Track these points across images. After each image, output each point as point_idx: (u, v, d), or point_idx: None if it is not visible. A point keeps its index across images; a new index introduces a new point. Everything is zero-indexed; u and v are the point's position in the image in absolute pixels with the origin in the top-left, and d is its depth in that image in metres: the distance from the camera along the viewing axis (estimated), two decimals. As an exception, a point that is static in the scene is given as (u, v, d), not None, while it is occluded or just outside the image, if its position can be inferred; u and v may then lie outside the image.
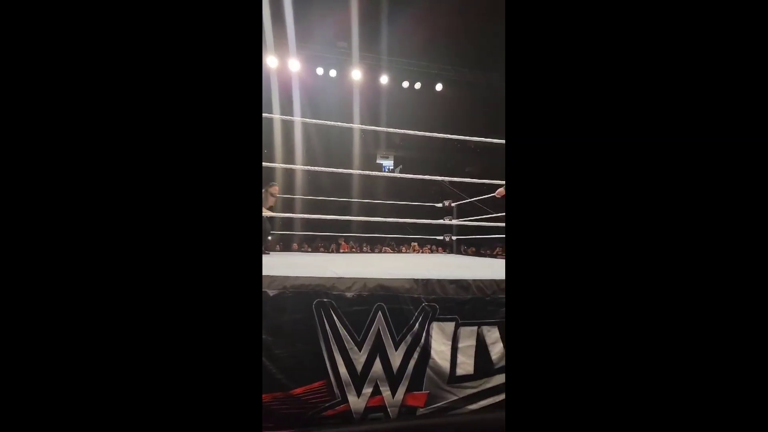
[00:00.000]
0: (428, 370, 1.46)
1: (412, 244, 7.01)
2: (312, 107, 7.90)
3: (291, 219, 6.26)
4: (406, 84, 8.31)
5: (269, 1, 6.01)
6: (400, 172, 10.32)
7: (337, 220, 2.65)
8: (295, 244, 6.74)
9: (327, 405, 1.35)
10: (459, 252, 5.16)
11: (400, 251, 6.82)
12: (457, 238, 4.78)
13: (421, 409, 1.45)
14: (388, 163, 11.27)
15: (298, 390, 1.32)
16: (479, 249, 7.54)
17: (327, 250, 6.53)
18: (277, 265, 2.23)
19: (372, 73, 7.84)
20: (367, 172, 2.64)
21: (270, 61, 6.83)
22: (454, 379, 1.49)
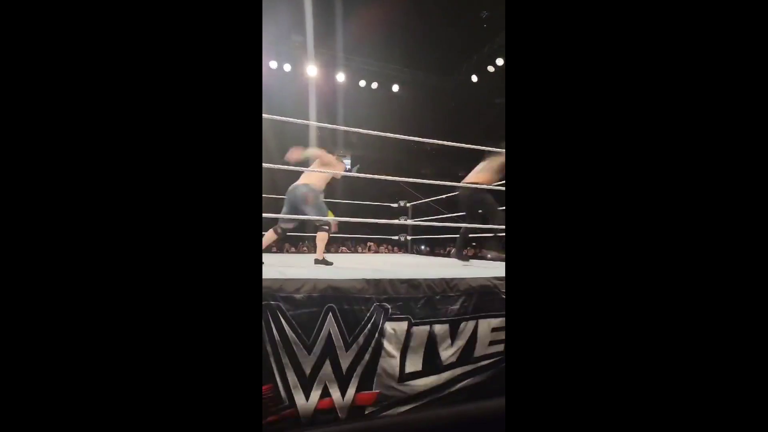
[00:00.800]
0: (379, 369, 1.47)
1: (369, 243, 7.02)
2: (265, 102, 7.61)
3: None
4: (363, 83, 8.30)
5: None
6: (358, 172, 10.29)
7: (291, 219, 2.56)
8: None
9: (272, 410, 1.30)
10: (414, 252, 5.26)
11: (356, 251, 6.80)
12: (412, 238, 4.86)
13: (369, 407, 1.44)
14: (346, 162, 11.19)
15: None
16: (434, 249, 7.74)
17: (280, 251, 6.33)
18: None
19: (328, 69, 7.73)
20: (324, 171, 2.58)
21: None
22: (404, 377, 1.51)
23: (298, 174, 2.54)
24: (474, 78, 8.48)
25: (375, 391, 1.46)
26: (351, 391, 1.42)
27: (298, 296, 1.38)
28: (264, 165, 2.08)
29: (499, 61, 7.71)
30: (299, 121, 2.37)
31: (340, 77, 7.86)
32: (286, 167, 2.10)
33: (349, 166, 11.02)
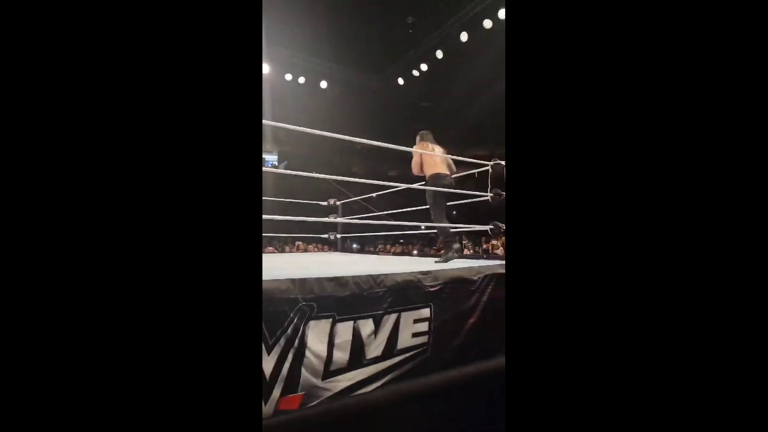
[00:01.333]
0: (303, 370, 1.44)
1: (297, 243, 6.81)
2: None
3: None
4: (289, 77, 8.01)
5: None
6: (286, 168, 9.92)
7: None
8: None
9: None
10: (344, 250, 5.25)
11: (284, 251, 6.55)
12: (342, 236, 4.85)
13: (296, 412, 1.41)
14: (272, 158, 10.69)
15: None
16: (363, 246, 7.82)
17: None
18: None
19: (252, 60, 7.31)
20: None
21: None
22: (328, 374, 1.50)
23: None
24: (400, 81, 8.74)
25: (300, 393, 1.43)
26: (275, 395, 1.37)
27: (214, 300, 1.29)
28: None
29: (424, 66, 8.06)
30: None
31: (265, 69, 7.48)
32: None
33: (276, 162, 10.55)
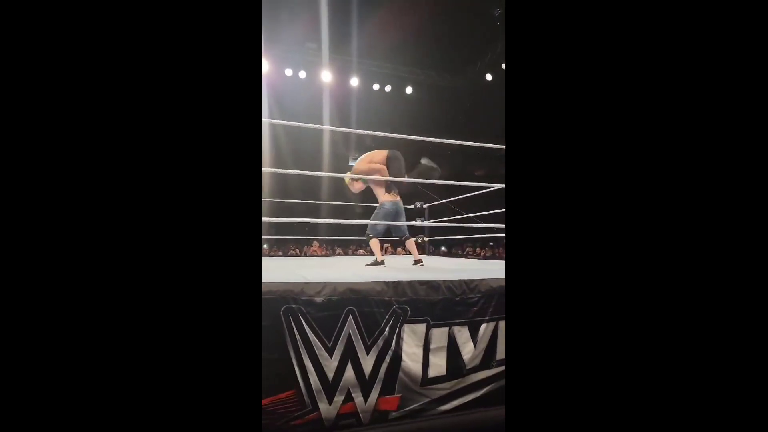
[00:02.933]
0: (400, 373, 1.45)
1: (385, 246, 7.01)
2: (281, 109, 7.73)
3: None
4: (376, 86, 8.33)
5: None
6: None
7: (307, 222, 2.59)
8: (265, 248, 6.59)
9: (296, 414, 1.31)
10: (431, 253, 5.22)
11: (371, 253, 6.78)
12: (429, 239, 4.83)
13: (393, 413, 1.43)
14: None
15: (265, 401, 1.27)
16: (450, 249, 7.67)
17: (301, 253, 6.41)
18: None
19: (342, 75, 7.79)
20: (337, 174, 2.60)
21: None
22: (426, 381, 1.49)
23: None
24: (488, 77, 8.37)
25: (397, 395, 1.45)
26: (374, 396, 1.41)
27: (318, 299, 1.39)
28: (281, 171, 2.12)
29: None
30: (312, 126, 2.40)
31: (354, 81, 7.90)
32: (296, 172, 2.12)
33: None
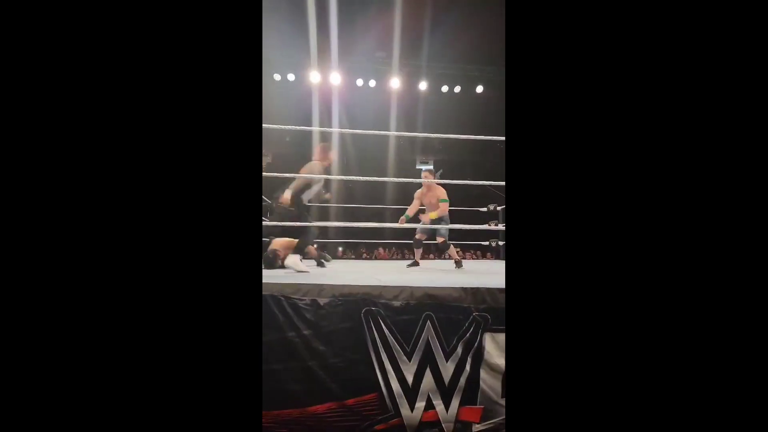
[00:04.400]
0: (482, 383, 1.39)
1: (456, 249, 6.84)
2: (351, 118, 8.06)
3: (327, 226, 6.38)
4: (445, 88, 8.23)
5: (315, 19, 6.25)
6: (441, 176, 10.16)
7: (374, 227, 2.65)
8: (340, 251, 6.90)
9: (380, 418, 1.33)
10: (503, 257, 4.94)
11: (444, 258, 6.68)
12: (504, 243, 4.59)
13: (476, 425, 1.38)
14: (428, 168, 11.15)
15: (350, 401, 1.32)
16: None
17: (371, 257, 6.58)
18: (327, 272, 2.27)
19: (410, 80, 7.85)
20: (403, 180, 2.61)
21: (313, 76, 7.09)
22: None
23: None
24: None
25: (480, 406, 1.39)
26: (455, 404, 1.37)
27: (396, 303, 1.40)
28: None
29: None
30: (374, 132, 2.45)
31: (423, 86, 7.91)
32: (348, 177, 2.16)
33: (432, 171, 10.99)
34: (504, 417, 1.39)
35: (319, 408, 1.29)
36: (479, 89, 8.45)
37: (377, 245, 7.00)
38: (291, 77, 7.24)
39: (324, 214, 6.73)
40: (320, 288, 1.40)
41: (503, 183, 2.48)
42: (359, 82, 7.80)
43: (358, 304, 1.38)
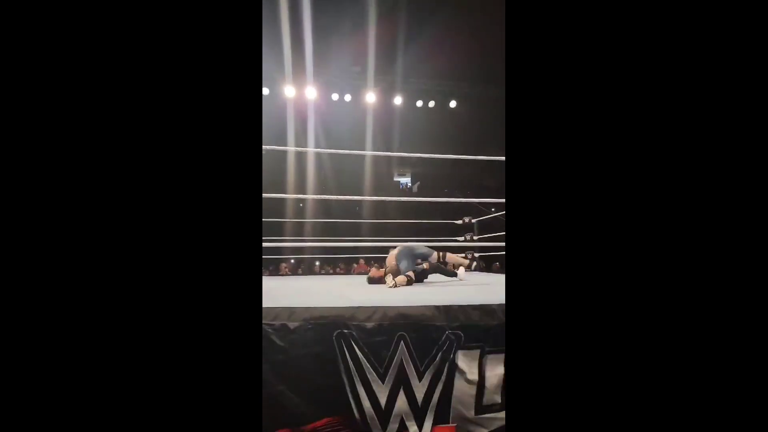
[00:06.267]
0: (454, 401, 1.40)
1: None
2: (327, 132, 8.08)
3: (304, 241, 6.30)
4: (419, 103, 8.41)
5: (289, 33, 6.26)
6: (418, 188, 10.30)
7: (348, 241, 2.65)
8: (317, 266, 6.82)
9: (351, 443, 1.31)
10: (482, 270, 5.02)
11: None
12: (480, 255, 4.66)
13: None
14: (405, 180, 11.29)
15: (319, 423, 1.29)
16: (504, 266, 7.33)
17: (347, 272, 6.53)
18: (299, 290, 2.23)
19: (386, 94, 7.99)
20: (379, 198, 2.65)
21: (287, 90, 7.09)
22: (481, 409, 1.41)
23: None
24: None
25: (452, 424, 1.39)
26: (428, 425, 1.37)
27: (369, 324, 1.39)
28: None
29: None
30: (356, 152, 2.48)
31: (398, 100, 8.06)
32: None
33: (410, 183, 11.11)
34: (477, 434, 1.40)
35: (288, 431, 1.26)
36: (452, 104, 8.69)
37: (355, 260, 6.97)
38: (266, 92, 7.22)
39: (299, 231, 6.64)
40: (291, 311, 1.38)
41: (478, 200, 2.55)
42: (335, 96, 7.86)
43: (329, 327, 1.36)
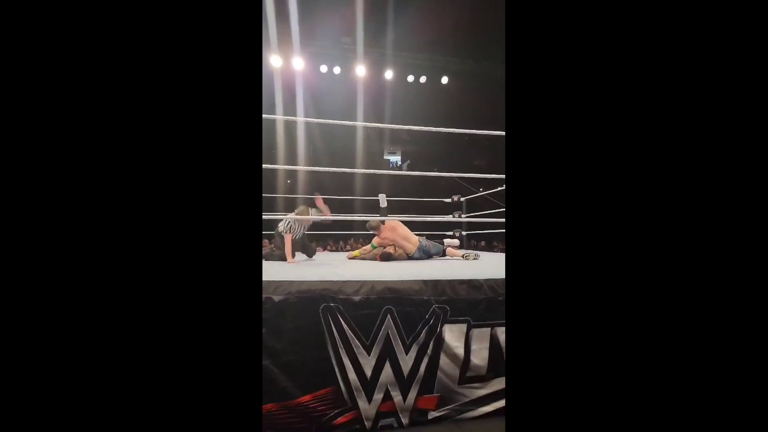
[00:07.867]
0: (439, 372, 1.42)
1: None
2: (316, 105, 7.86)
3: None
4: (411, 78, 8.21)
5: (273, 1, 5.96)
6: (408, 167, 10.23)
7: (341, 219, 2.62)
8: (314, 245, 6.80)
9: (336, 412, 1.33)
10: (470, 247, 5.08)
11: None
12: (467, 233, 4.70)
13: (432, 412, 1.41)
14: (396, 159, 11.18)
15: (306, 398, 1.30)
16: (490, 242, 7.44)
17: (336, 248, 6.53)
18: (286, 267, 2.21)
19: (376, 68, 7.76)
20: (371, 171, 2.59)
21: (273, 60, 6.79)
22: (465, 380, 1.45)
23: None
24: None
25: (436, 394, 1.42)
26: (413, 394, 1.39)
27: (356, 298, 1.39)
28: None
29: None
30: (347, 122, 2.40)
31: (389, 74, 7.84)
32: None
33: (399, 162, 11.02)
34: (460, 403, 1.44)
35: (270, 407, 1.27)
36: (444, 80, 8.51)
37: (347, 237, 6.96)
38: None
39: (291, 206, 6.56)
40: (276, 285, 1.35)
41: (470, 175, 2.53)
42: (323, 68, 7.59)
43: (316, 301, 1.35)
